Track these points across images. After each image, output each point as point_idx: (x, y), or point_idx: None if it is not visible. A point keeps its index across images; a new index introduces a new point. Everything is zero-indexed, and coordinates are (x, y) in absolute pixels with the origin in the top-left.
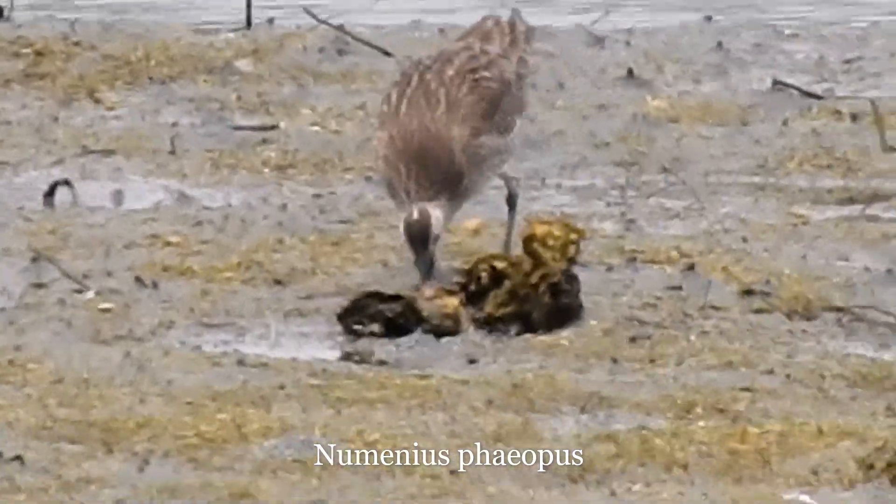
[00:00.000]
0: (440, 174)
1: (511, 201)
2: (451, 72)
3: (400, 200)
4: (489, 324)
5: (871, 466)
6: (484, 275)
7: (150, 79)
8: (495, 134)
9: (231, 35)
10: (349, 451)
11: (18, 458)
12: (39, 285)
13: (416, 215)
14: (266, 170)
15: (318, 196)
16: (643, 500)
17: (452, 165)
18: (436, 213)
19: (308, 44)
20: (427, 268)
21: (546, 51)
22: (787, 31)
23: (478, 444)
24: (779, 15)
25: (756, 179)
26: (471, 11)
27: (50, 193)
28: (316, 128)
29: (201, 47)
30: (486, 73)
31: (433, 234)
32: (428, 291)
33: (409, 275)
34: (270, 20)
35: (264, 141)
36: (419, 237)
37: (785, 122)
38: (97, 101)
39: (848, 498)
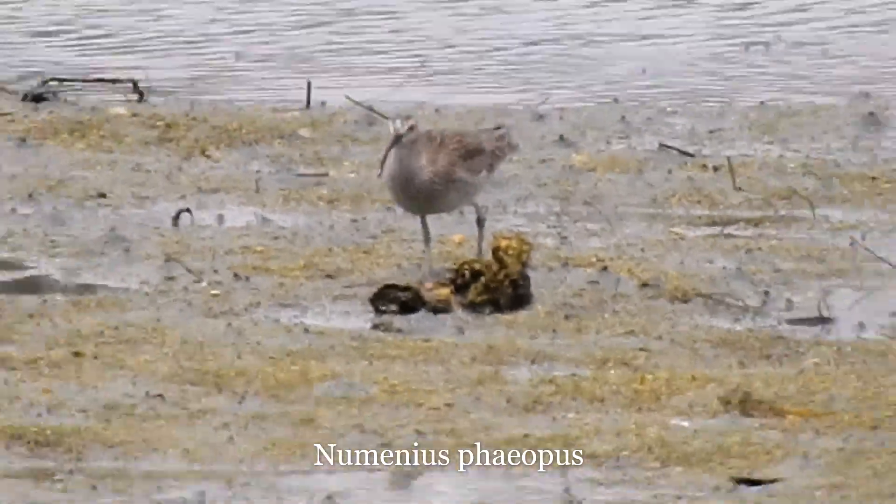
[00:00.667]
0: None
1: (480, 223)
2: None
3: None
4: (471, 306)
5: (728, 402)
6: (466, 273)
7: (242, 142)
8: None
9: (296, 113)
10: (378, 390)
11: (160, 395)
12: (170, 278)
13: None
14: (320, 203)
15: (354, 220)
16: (574, 424)
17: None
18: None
19: (348, 118)
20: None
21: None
22: (668, 109)
23: (464, 387)
24: (665, 98)
25: (649, 210)
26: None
27: (176, 218)
28: (353, 175)
29: (276, 121)
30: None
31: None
32: (428, 284)
33: (416, 274)
34: (323, 103)
35: (318, 183)
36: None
37: (669, 171)
38: (207, 157)
39: (712, 423)
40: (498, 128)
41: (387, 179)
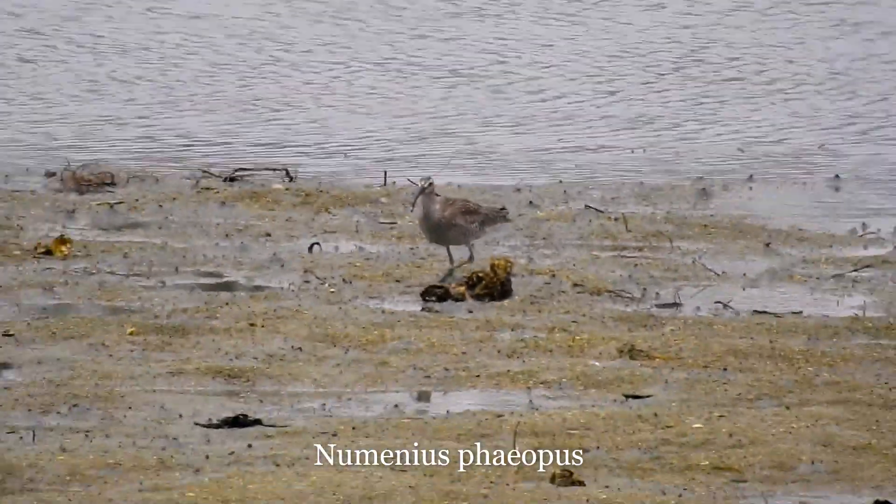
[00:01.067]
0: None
1: (471, 258)
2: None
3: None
4: (477, 297)
5: (622, 351)
6: (475, 278)
7: (349, 204)
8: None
9: (378, 188)
10: (423, 345)
11: (300, 348)
12: (306, 281)
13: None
14: (392, 238)
15: (412, 248)
16: (535, 364)
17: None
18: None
19: (408, 191)
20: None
21: (500, 197)
22: (589, 186)
23: (472, 343)
24: (586, 180)
25: (579, 242)
26: (475, 178)
27: (311, 248)
28: (411, 223)
29: (367, 193)
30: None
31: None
32: (454, 285)
33: (446, 280)
34: (394, 182)
35: (391, 227)
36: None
37: (590, 220)
38: (329, 212)
39: (613, 364)
40: (502, 208)
41: (417, 219)
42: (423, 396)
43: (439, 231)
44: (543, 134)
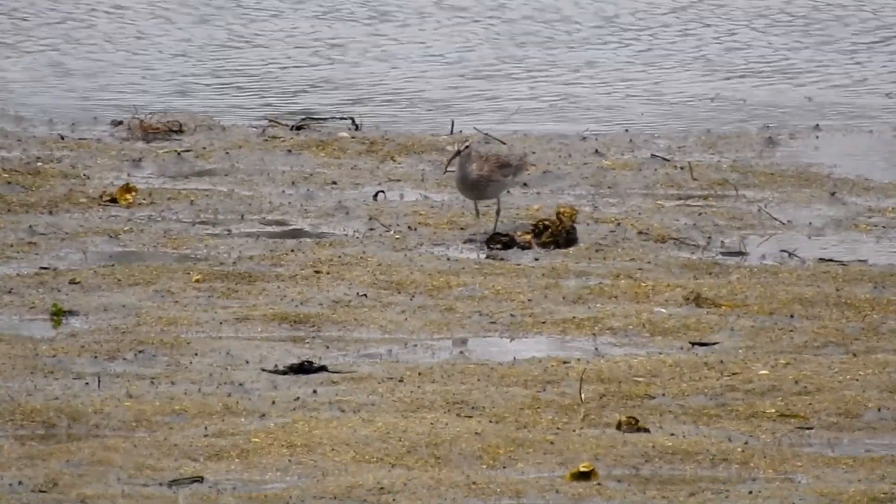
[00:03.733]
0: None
1: (497, 211)
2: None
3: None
4: (543, 245)
5: (688, 299)
6: (541, 226)
7: (414, 153)
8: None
9: (445, 136)
10: (489, 292)
11: (365, 295)
12: (371, 229)
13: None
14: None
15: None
16: (601, 311)
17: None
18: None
19: (476, 139)
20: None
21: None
22: (655, 135)
23: (538, 290)
24: (653, 128)
25: (644, 191)
26: (540, 126)
27: (376, 195)
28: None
29: (433, 141)
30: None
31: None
32: (519, 233)
33: (510, 227)
34: (460, 130)
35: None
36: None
37: (655, 169)
38: (394, 161)
39: (679, 311)
40: (524, 154)
41: (455, 179)
42: (490, 343)
43: (478, 188)
44: (610, 81)
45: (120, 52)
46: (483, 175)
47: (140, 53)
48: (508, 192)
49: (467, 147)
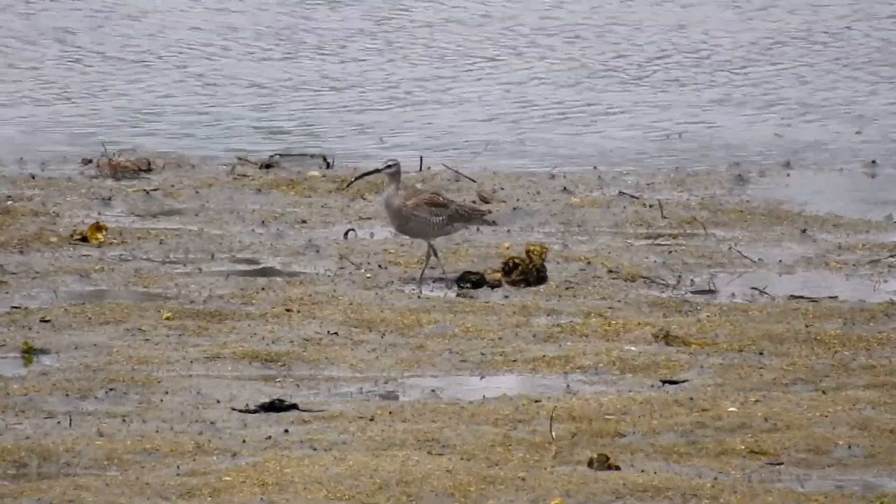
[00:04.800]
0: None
1: (433, 251)
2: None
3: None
4: (513, 283)
5: (657, 336)
6: (511, 264)
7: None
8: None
9: (414, 174)
10: (459, 330)
11: (336, 333)
12: (342, 268)
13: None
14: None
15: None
16: (571, 349)
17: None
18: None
19: (443, 176)
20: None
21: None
22: (623, 171)
23: (508, 328)
24: (620, 164)
25: (613, 229)
26: (507, 162)
27: (346, 234)
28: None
29: (404, 178)
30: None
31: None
32: (489, 270)
33: (481, 265)
34: (429, 167)
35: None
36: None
37: (624, 207)
38: (364, 199)
39: (649, 348)
40: (488, 211)
41: (381, 205)
42: (461, 382)
43: (400, 220)
44: (577, 120)
45: (90, 91)
46: (406, 206)
47: (109, 92)
48: (449, 234)
49: (391, 166)
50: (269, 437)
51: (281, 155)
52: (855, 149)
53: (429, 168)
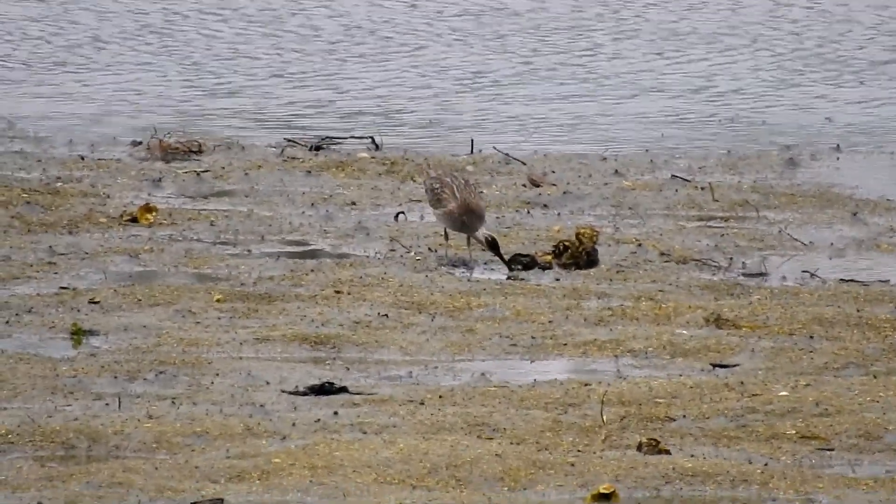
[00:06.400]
0: (480, 219)
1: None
2: (472, 182)
3: (465, 230)
4: (563, 266)
5: (708, 320)
6: (561, 247)
7: (432, 173)
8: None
9: (465, 156)
10: (510, 313)
11: (386, 315)
12: (392, 250)
13: (488, 234)
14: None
15: (497, 217)
16: (622, 333)
17: (483, 217)
18: (487, 232)
19: (494, 159)
20: (499, 252)
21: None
22: (676, 154)
23: (559, 311)
24: (673, 148)
25: (665, 212)
26: (559, 146)
27: (396, 216)
28: (497, 192)
29: (454, 161)
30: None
31: (496, 239)
32: (540, 254)
33: (533, 247)
34: (480, 150)
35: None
36: (495, 241)
37: (676, 190)
38: (414, 181)
39: (700, 332)
40: (463, 202)
41: (456, 210)
42: (510, 365)
43: (482, 221)
44: (630, 102)
45: (138, 71)
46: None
47: (159, 73)
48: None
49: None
50: (319, 419)
51: (330, 137)
52: None
53: (479, 151)
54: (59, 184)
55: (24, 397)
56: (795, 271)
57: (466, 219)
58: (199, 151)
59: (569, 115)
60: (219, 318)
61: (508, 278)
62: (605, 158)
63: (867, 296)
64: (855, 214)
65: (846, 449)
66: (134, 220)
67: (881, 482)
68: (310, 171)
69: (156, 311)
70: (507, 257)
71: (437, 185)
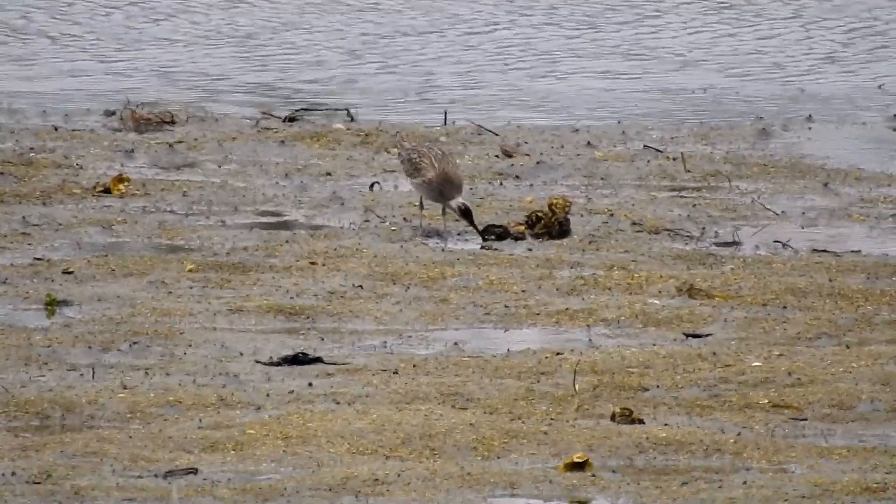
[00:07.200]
0: (458, 189)
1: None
2: (448, 152)
3: (441, 199)
4: (536, 236)
5: (681, 290)
6: (534, 217)
7: (407, 144)
8: None
9: (438, 127)
10: (483, 283)
11: (360, 286)
12: (367, 220)
13: (462, 202)
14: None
15: (471, 188)
16: (594, 302)
17: (461, 187)
18: (461, 200)
19: (467, 130)
20: (473, 220)
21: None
22: (648, 126)
23: (532, 281)
24: (645, 119)
25: (637, 182)
26: (533, 118)
27: (371, 186)
28: (470, 162)
29: (427, 132)
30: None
31: (470, 207)
32: (513, 224)
33: (505, 217)
34: (454, 122)
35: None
36: (468, 210)
37: (648, 161)
38: (388, 152)
39: (672, 302)
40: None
41: (434, 178)
42: (484, 334)
43: (460, 192)
44: (601, 73)
45: (111, 42)
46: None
47: (132, 43)
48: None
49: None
50: (293, 390)
51: (305, 109)
52: (877, 102)
53: (453, 122)
54: (32, 154)
55: None
56: (768, 241)
57: (444, 188)
58: (172, 122)
59: (540, 88)
60: (192, 289)
61: (482, 248)
62: (577, 130)
63: (839, 266)
64: (826, 185)
65: (819, 418)
66: (107, 190)
67: (854, 451)
68: (284, 142)
69: (129, 282)
70: (480, 227)
71: (415, 156)
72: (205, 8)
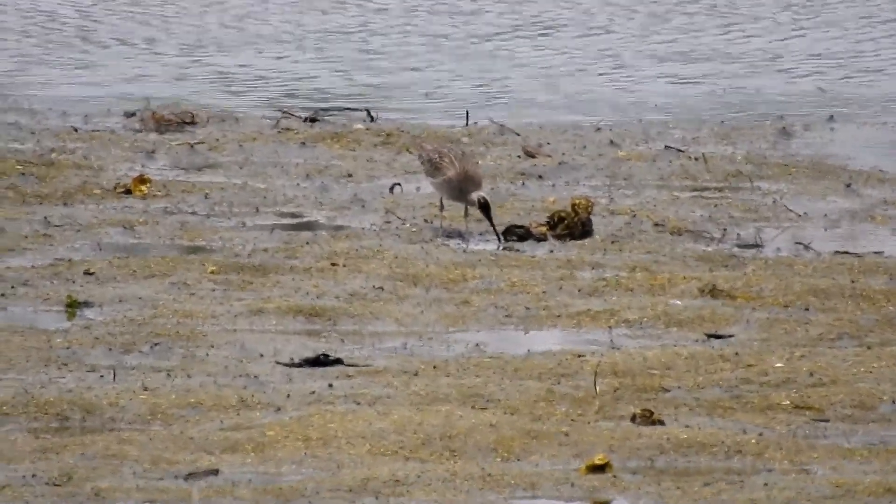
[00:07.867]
0: (478, 187)
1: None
2: (469, 153)
3: (462, 197)
4: (558, 237)
5: (703, 291)
6: (556, 218)
7: (427, 145)
8: None
9: (460, 128)
10: (504, 285)
11: (381, 287)
12: (388, 221)
13: (482, 195)
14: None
15: (492, 188)
16: (616, 303)
17: (481, 185)
18: (481, 193)
19: (489, 131)
20: (490, 215)
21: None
22: (669, 125)
23: (553, 282)
24: (666, 119)
25: (659, 182)
26: (555, 117)
27: (392, 188)
28: (492, 163)
29: (449, 133)
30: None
31: (489, 201)
32: (534, 225)
33: (527, 218)
34: (475, 122)
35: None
36: (487, 203)
37: (670, 161)
38: (410, 152)
39: (694, 303)
40: (441, 158)
41: (454, 177)
42: (505, 336)
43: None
44: (623, 73)
45: (131, 44)
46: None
47: (151, 45)
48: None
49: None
50: (313, 391)
51: (325, 109)
52: None
53: (475, 123)
54: (54, 155)
55: (18, 369)
56: (790, 242)
57: (465, 186)
58: (193, 123)
59: (563, 88)
60: (213, 290)
61: (504, 248)
62: (599, 129)
63: (861, 267)
64: (848, 186)
65: (840, 419)
66: (128, 191)
67: (875, 452)
68: (304, 143)
69: (150, 283)
70: (501, 228)
71: (436, 156)
72: (221, 10)
